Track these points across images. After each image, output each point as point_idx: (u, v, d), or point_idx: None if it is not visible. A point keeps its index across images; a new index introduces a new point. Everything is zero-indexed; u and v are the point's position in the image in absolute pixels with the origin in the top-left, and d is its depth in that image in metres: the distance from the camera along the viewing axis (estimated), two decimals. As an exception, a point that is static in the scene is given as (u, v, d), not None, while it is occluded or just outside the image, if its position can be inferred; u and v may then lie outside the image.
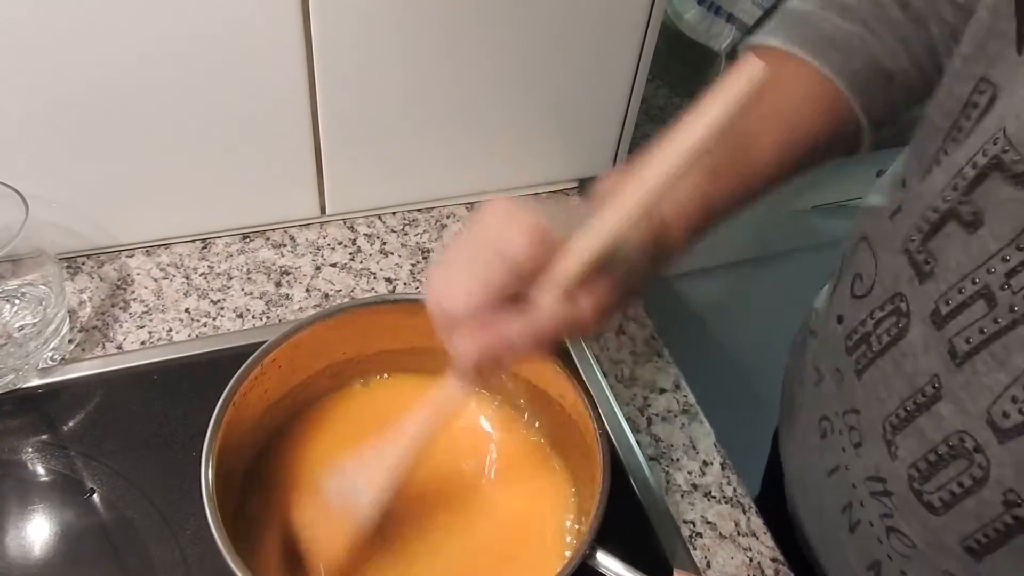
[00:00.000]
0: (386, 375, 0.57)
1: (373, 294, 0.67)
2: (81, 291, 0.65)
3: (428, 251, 0.72)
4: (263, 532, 0.49)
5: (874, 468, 0.49)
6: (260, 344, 0.50)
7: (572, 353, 0.51)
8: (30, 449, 0.56)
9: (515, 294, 0.38)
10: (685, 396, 0.64)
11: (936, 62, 0.49)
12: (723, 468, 0.59)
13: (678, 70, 0.94)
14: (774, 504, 0.63)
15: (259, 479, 0.51)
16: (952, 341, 0.42)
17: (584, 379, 0.61)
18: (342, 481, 0.47)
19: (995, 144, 0.39)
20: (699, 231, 0.45)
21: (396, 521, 0.50)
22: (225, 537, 0.41)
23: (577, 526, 0.50)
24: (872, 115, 0.50)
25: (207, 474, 0.44)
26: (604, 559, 0.44)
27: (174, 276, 0.68)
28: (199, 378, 0.60)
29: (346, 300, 0.66)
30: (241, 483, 0.50)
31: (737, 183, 0.47)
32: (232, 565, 0.40)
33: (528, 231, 0.37)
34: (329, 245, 0.72)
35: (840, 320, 0.53)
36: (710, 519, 0.56)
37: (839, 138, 0.51)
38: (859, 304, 0.50)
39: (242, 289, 0.67)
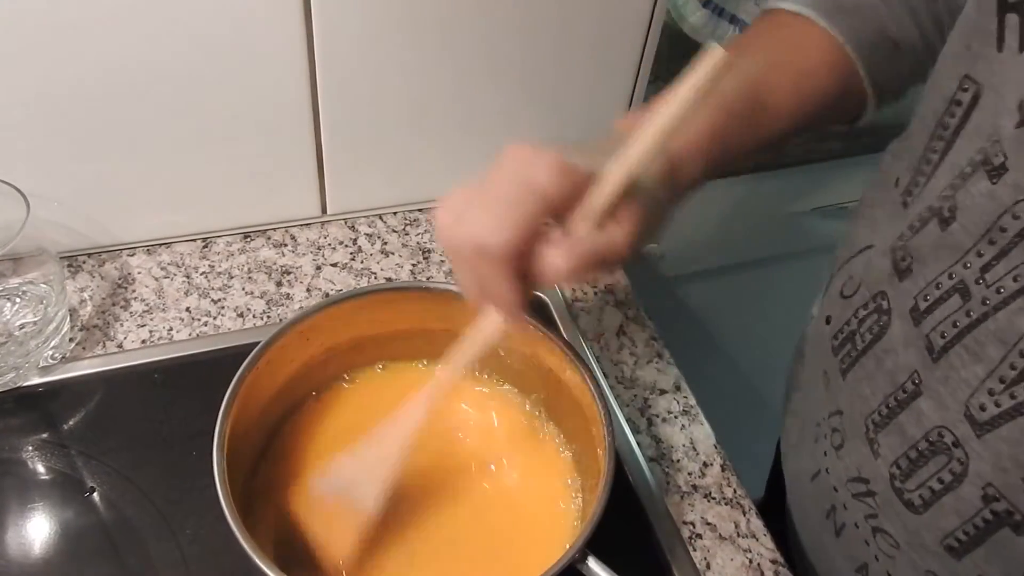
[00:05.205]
0: (392, 363, 0.58)
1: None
2: (82, 290, 0.65)
3: (429, 251, 0.72)
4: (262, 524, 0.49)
5: (856, 469, 0.49)
6: (257, 345, 0.50)
7: (576, 354, 0.51)
8: (30, 447, 0.56)
9: (540, 232, 0.39)
10: (685, 397, 0.64)
11: (943, 36, 0.49)
12: (723, 469, 0.59)
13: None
14: (777, 508, 0.63)
15: (266, 465, 0.52)
16: (929, 336, 0.42)
17: (600, 383, 0.61)
18: (340, 477, 0.47)
19: (988, 141, 0.39)
20: (713, 166, 0.46)
21: (400, 514, 0.50)
22: (235, 513, 0.42)
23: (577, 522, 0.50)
24: (877, 81, 0.51)
25: (222, 430, 0.45)
26: (595, 566, 0.43)
27: (175, 275, 0.68)
28: (200, 377, 0.60)
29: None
30: (248, 470, 0.50)
31: (751, 124, 0.48)
32: (241, 539, 0.41)
33: (554, 166, 0.38)
34: (330, 245, 0.72)
35: (828, 321, 0.53)
36: (710, 520, 0.56)
37: (847, 100, 0.52)
38: (846, 304, 0.50)
39: (243, 288, 0.67)
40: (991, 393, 0.39)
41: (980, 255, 0.39)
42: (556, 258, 0.38)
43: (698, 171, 0.45)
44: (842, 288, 0.52)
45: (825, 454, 0.52)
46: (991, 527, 0.41)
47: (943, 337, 0.41)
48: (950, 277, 0.41)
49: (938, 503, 0.43)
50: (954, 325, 0.41)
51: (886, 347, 0.46)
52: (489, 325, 0.43)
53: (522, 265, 0.38)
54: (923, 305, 0.43)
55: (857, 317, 0.49)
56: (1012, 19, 0.39)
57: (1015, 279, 0.38)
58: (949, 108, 0.43)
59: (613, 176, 0.39)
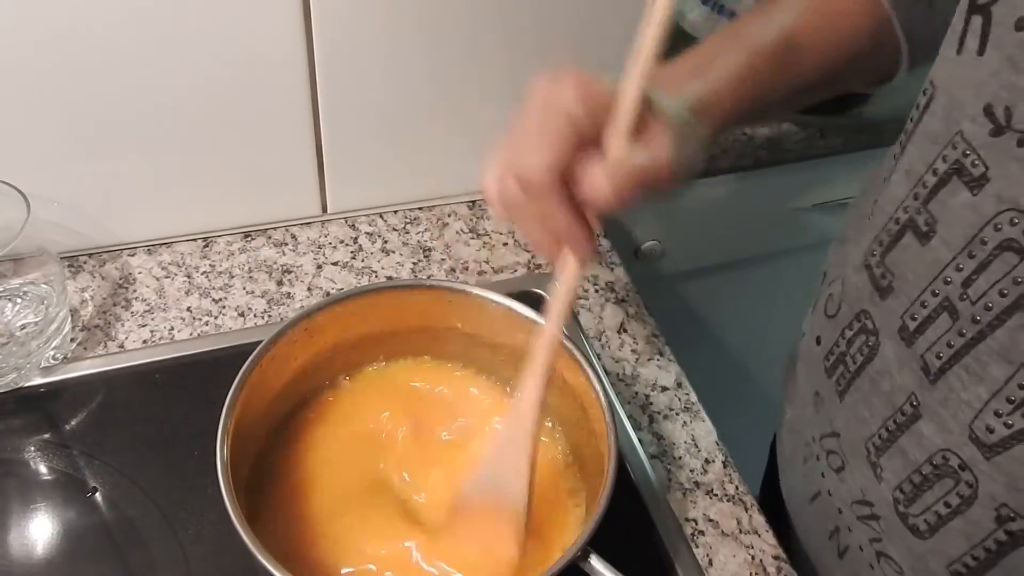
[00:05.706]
0: (401, 359, 0.58)
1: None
2: (83, 290, 0.65)
3: (429, 249, 0.72)
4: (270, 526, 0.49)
5: (860, 492, 0.48)
6: (260, 343, 0.50)
7: (579, 352, 0.51)
8: (32, 448, 0.56)
9: (581, 159, 0.39)
10: (687, 394, 0.64)
11: None
12: (725, 466, 0.59)
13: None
14: (774, 503, 0.63)
15: (270, 463, 0.52)
16: (924, 357, 0.41)
17: (602, 381, 0.61)
18: (483, 482, 0.47)
19: (955, 148, 0.38)
20: (745, 106, 0.47)
21: (400, 514, 0.50)
22: (239, 511, 0.42)
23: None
24: (911, 35, 0.50)
25: (225, 427, 0.45)
26: (597, 564, 0.43)
27: (176, 275, 0.68)
28: (201, 377, 0.60)
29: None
30: (252, 469, 0.50)
31: (784, 66, 0.48)
32: (245, 538, 0.41)
33: (575, 84, 0.38)
34: (331, 244, 0.72)
35: (818, 342, 0.52)
36: (712, 517, 0.56)
37: (880, 53, 0.51)
38: (832, 324, 0.50)
39: (244, 288, 0.67)
40: (998, 414, 0.38)
41: (959, 269, 0.38)
42: (598, 179, 0.38)
43: (729, 109, 0.46)
44: (826, 307, 0.51)
45: (823, 475, 0.51)
46: (1004, 549, 0.40)
47: (939, 358, 0.40)
48: (934, 294, 0.40)
49: (945, 528, 0.42)
50: (949, 345, 0.39)
51: (879, 368, 0.44)
52: (570, 270, 0.42)
53: (574, 199, 0.39)
54: (912, 325, 0.41)
55: (844, 338, 0.48)
56: (976, 21, 0.38)
57: (1001, 294, 0.37)
58: (911, 112, 0.43)
59: (629, 87, 0.39)
